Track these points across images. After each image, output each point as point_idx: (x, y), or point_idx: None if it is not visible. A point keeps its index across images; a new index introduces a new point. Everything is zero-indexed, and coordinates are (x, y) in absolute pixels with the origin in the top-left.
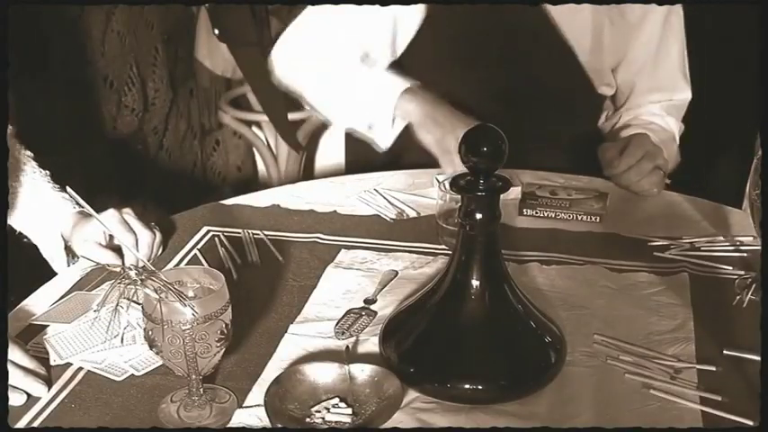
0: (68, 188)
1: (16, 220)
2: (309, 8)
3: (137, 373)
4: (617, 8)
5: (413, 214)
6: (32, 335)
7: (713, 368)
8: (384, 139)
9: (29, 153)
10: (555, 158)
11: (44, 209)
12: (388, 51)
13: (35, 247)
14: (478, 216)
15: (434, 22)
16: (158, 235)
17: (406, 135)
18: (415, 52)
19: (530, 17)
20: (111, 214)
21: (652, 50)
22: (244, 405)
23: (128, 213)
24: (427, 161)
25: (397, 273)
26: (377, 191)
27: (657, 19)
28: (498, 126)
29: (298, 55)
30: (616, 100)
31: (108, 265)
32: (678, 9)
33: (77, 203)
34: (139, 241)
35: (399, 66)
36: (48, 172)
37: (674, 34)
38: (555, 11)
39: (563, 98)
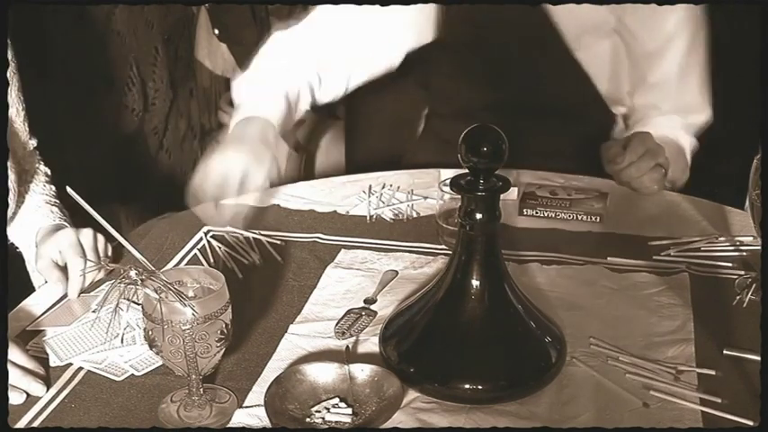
0: (69, 188)
1: (10, 231)
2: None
3: (137, 373)
4: (632, 33)
5: (413, 214)
6: (32, 335)
7: (713, 372)
8: None
9: (45, 169)
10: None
11: (31, 221)
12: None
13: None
14: (478, 216)
15: (447, 35)
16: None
17: (407, 135)
18: (427, 64)
19: (549, 43)
20: (66, 234)
21: (674, 77)
22: (244, 405)
23: (85, 236)
24: (428, 161)
25: (397, 273)
26: (377, 191)
27: (681, 46)
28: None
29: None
30: (630, 119)
31: (108, 265)
32: (701, 34)
33: (78, 203)
34: (74, 271)
35: (410, 78)
36: (53, 188)
37: (698, 60)
38: (574, 42)
39: (574, 114)
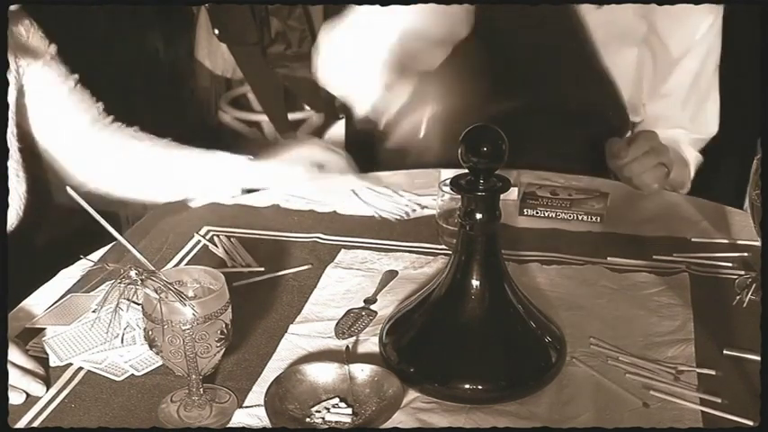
0: (69, 188)
1: None
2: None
3: (137, 373)
4: (662, 41)
5: (413, 214)
6: (32, 335)
7: (713, 372)
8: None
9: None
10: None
11: None
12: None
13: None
14: (478, 216)
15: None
16: None
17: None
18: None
19: (577, 49)
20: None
21: (686, 87)
22: (244, 405)
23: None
24: (427, 161)
25: (397, 273)
26: (377, 191)
27: (697, 55)
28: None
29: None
30: (637, 126)
31: (108, 265)
32: (717, 47)
33: (78, 203)
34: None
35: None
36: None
37: (710, 71)
38: (603, 46)
39: (593, 123)
